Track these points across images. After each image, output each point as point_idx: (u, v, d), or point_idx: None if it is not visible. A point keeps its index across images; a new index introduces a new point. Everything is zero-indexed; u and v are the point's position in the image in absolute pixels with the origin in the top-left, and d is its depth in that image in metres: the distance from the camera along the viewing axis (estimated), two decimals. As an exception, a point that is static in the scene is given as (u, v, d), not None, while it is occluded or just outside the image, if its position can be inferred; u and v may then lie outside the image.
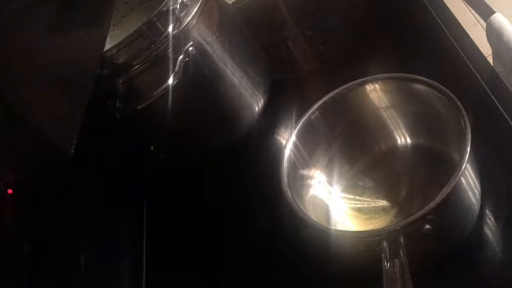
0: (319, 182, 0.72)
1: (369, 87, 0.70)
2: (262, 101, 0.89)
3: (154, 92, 0.74)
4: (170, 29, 0.73)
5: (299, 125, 0.70)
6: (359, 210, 0.71)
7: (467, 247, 0.64)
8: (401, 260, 0.55)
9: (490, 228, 0.65)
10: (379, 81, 0.69)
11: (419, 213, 0.55)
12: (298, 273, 0.72)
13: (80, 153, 0.53)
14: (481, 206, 0.64)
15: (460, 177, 0.56)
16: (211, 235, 0.83)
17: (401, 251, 0.55)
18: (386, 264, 0.55)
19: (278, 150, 0.78)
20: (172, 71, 0.74)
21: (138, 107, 0.75)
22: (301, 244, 0.70)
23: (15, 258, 0.66)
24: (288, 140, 0.69)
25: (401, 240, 0.56)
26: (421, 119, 0.70)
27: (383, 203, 0.70)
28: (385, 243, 0.56)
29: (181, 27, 0.74)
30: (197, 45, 0.76)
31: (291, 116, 0.90)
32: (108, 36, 0.70)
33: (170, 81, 0.74)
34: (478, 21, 1.20)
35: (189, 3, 0.75)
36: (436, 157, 0.68)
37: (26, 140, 0.49)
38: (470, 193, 0.61)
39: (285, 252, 0.74)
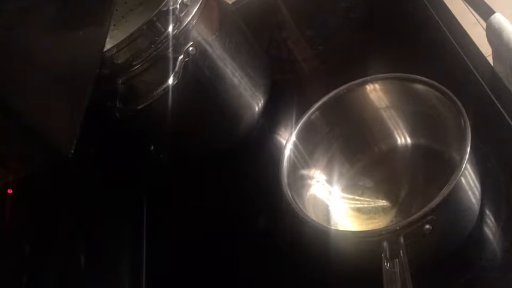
0: (319, 182, 0.72)
1: (369, 87, 0.70)
2: (262, 101, 0.89)
3: (154, 92, 0.74)
4: (170, 29, 0.73)
5: (299, 125, 0.70)
6: (359, 210, 0.71)
7: (467, 247, 0.64)
8: (401, 260, 0.55)
9: (490, 228, 0.65)
10: (379, 81, 0.69)
11: (419, 213, 0.55)
12: (298, 273, 0.72)
13: (80, 153, 0.53)
14: (481, 206, 0.64)
15: (460, 177, 0.56)
16: (211, 235, 0.83)
17: (401, 251, 0.55)
18: (386, 264, 0.55)
19: (278, 150, 0.78)
20: (172, 71, 0.74)
21: (138, 107, 0.75)
22: (301, 244, 0.70)
23: (15, 258, 0.66)
24: (288, 140, 0.69)
25: (402, 240, 0.55)
26: (421, 119, 0.69)
27: (383, 203, 0.70)
28: (385, 243, 0.56)
29: (181, 27, 0.74)
30: (197, 45, 0.76)
31: (291, 116, 0.90)
32: (108, 36, 0.70)
33: (170, 81, 0.74)
34: (478, 21, 1.19)
35: (189, 3, 0.75)
36: (436, 157, 0.68)
37: (26, 140, 0.49)
38: (470, 193, 0.61)
39: (285, 252, 0.74)
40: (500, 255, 0.63)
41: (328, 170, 0.73)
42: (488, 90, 0.75)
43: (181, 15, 0.74)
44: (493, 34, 0.90)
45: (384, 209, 0.69)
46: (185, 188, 0.90)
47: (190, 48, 0.75)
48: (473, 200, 0.62)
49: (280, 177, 0.66)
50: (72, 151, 0.51)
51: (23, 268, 0.66)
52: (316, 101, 0.71)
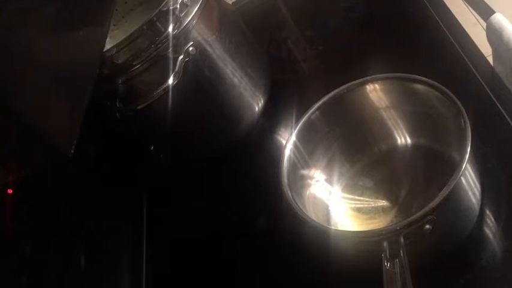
0: (319, 182, 0.72)
1: (369, 87, 0.70)
2: (262, 101, 0.89)
3: (154, 92, 0.74)
4: (170, 29, 0.73)
5: (299, 125, 0.70)
6: (359, 210, 0.71)
7: (467, 247, 0.64)
8: (401, 260, 0.55)
9: (490, 228, 0.65)
10: (379, 81, 0.69)
11: (419, 213, 0.55)
12: (298, 273, 0.72)
13: (80, 153, 0.53)
14: (481, 206, 0.64)
15: (460, 177, 0.56)
16: (211, 235, 0.83)
17: (401, 251, 0.55)
18: (387, 264, 0.55)
19: (278, 150, 0.78)
20: (172, 71, 0.74)
21: (138, 107, 0.75)
22: (301, 244, 0.70)
23: (15, 258, 0.66)
24: (288, 140, 0.69)
25: (402, 240, 0.55)
26: (421, 119, 0.69)
27: (383, 203, 0.70)
28: (385, 243, 0.56)
29: (181, 27, 0.74)
30: (197, 45, 0.76)
31: (291, 116, 0.90)
32: (108, 36, 0.70)
33: (170, 81, 0.74)
34: (478, 21, 1.19)
35: (189, 3, 0.75)
36: (436, 157, 0.68)
37: (26, 140, 0.49)
38: (470, 193, 0.61)
39: (285, 252, 0.74)
40: (500, 255, 0.63)
41: (328, 170, 0.73)
42: (488, 90, 0.75)
43: (181, 15, 0.74)
44: (493, 34, 0.90)
45: (384, 209, 0.69)
46: (185, 188, 0.90)
47: (190, 48, 0.75)
48: (473, 200, 0.62)
49: (280, 177, 0.66)
50: (72, 151, 0.51)
51: (23, 268, 0.66)
52: (316, 101, 0.71)
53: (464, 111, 0.59)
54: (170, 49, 0.73)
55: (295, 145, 0.69)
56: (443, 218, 0.57)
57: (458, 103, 0.60)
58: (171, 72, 0.74)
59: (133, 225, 0.90)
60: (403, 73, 0.68)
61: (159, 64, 0.74)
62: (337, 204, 0.71)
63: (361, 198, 0.71)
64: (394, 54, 0.87)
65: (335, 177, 0.73)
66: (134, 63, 0.73)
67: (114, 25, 0.87)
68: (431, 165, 0.69)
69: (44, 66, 0.52)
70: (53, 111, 0.52)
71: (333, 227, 0.67)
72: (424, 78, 0.65)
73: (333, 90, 0.71)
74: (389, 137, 0.73)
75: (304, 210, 0.63)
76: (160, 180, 0.93)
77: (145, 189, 0.93)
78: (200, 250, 0.83)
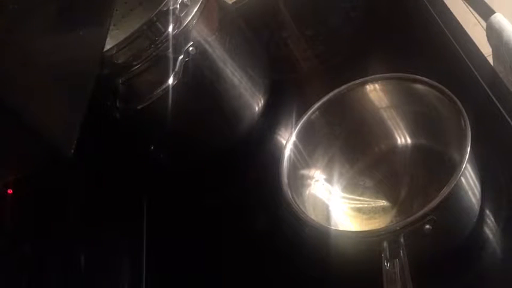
0: (319, 182, 0.72)
1: (369, 87, 0.70)
2: (262, 101, 0.89)
3: (154, 92, 0.74)
4: (170, 29, 0.73)
5: (299, 125, 0.70)
6: (359, 210, 0.71)
7: (467, 247, 0.64)
8: (402, 260, 0.55)
9: (490, 228, 0.65)
10: (379, 81, 0.69)
11: (419, 213, 0.55)
12: (298, 273, 0.72)
13: (80, 153, 0.53)
14: (481, 206, 0.64)
15: (460, 177, 0.56)
16: (211, 235, 0.83)
17: (401, 251, 0.55)
18: (387, 264, 0.55)
19: (278, 150, 0.78)
20: (172, 71, 0.74)
21: (138, 107, 0.75)
22: (301, 244, 0.70)
23: (15, 258, 0.66)
24: (288, 140, 0.69)
25: (402, 240, 0.56)
26: (421, 119, 0.70)
27: (383, 203, 0.70)
28: (385, 243, 0.56)
29: (181, 27, 0.74)
30: (197, 45, 0.76)
31: (291, 116, 0.90)
32: (108, 36, 0.70)
33: (170, 81, 0.74)
34: (478, 21, 1.20)
35: (189, 3, 0.75)
36: (436, 157, 0.68)
37: (26, 140, 0.49)
38: (470, 193, 0.61)
39: (285, 252, 0.74)
40: (500, 255, 0.63)
41: (328, 170, 0.73)
42: (488, 90, 0.75)
43: (181, 15, 0.74)
44: (493, 34, 0.90)
45: (384, 209, 0.69)
46: (185, 188, 0.90)
47: (190, 48, 0.75)
48: (473, 200, 0.62)
49: (280, 177, 0.66)
50: (72, 151, 0.51)
51: (23, 268, 0.66)
52: (316, 101, 0.71)
53: (464, 111, 0.59)
54: (170, 49, 0.73)
55: (295, 145, 0.69)
56: (443, 218, 0.57)
57: (458, 103, 0.60)
58: (171, 72, 0.74)
59: (133, 225, 0.90)
60: (403, 73, 0.68)
61: (159, 64, 0.74)
62: (337, 204, 0.71)
63: (361, 198, 0.72)
64: (394, 54, 0.87)
65: (335, 177, 0.73)
66: (134, 63, 0.73)
67: (114, 25, 0.87)
68: (431, 165, 0.69)
69: (44, 66, 0.52)
70: (53, 111, 0.52)
71: (333, 227, 0.66)
72: (424, 78, 0.65)
73: (333, 90, 0.71)
74: (390, 137, 0.73)
75: (304, 210, 0.63)
76: (160, 180, 0.93)
77: (145, 189, 0.93)
78: (200, 250, 0.83)
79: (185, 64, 0.75)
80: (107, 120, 0.79)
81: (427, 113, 0.67)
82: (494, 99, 0.73)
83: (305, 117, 0.70)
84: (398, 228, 0.56)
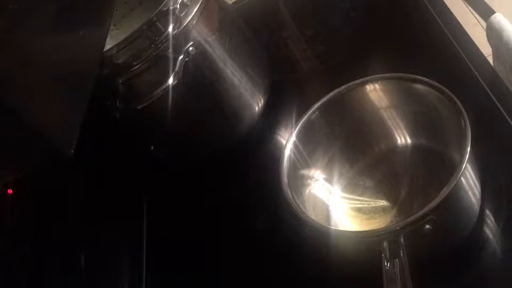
0: (319, 182, 0.72)
1: (369, 87, 0.70)
2: (262, 101, 0.89)
3: (154, 92, 0.74)
4: (170, 29, 0.73)
5: (299, 125, 0.70)
6: (359, 210, 0.71)
7: (467, 247, 0.64)
8: (401, 260, 0.55)
9: (490, 228, 0.65)
10: (379, 81, 0.69)
11: (419, 213, 0.55)
12: (298, 273, 0.72)
13: (80, 153, 0.53)
14: (481, 206, 0.64)
15: (460, 177, 0.56)
16: (211, 235, 0.83)
17: (401, 251, 0.55)
18: (387, 264, 0.55)
19: (278, 150, 0.78)
20: (172, 71, 0.74)
21: (138, 107, 0.75)
22: (301, 244, 0.70)
23: (15, 258, 0.66)
24: (288, 140, 0.69)
25: (402, 240, 0.56)
26: (421, 119, 0.70)
27: (383, 203, 0.70)
28: (385, 243, 0.56)
29: (181, 27, 0.74)
30: (197, 45, 0.76)
31: (291, 116, 0.90)
32: (108, 36, 0.70)
33: (170, 81, 0.74)
34: (478, 21, 1.20)
35: (189, 3, 0.75)
36: (436, 157, 0.68)
37: (26, 140, 0.49)
38: (470, 193, 0.61)
39: (285, 252, 0.74)
40: (500, 255, 0.63)
41: (328, 170, 0.73)
42: (488, 90, 0.75)
43: (181, 15, 0.74)
44: (493, 34, 0.90)
45: (384, 209, 0.69)
46: (185, 188, 0.90)
47: (190, 48, 0.75)
48: (473, 200, 0.62)
49: (280, 177, 0.66)
50: (72, 151, 0.51)
51: (23, 268, 0.66)
52: (316, 101, 0.71)
53: (464, 111, 0.59)
54: (170, 49, 0.73)
55: (295, 145, 0.69)
56: (443, 218, 0.57)
57: (458, 103, 0.60)
58: (171, 72, 0.74)
59: (133, 225, 0.90)
60: (403, 73, 0.68)
61: (159, 64, 0.74)
62: (337, 204, 0.71)
63: (361, 198, 0.72)
64: (394, 54, 0.87)
65: (335, 177, 0.73)
66: (134, 63, 0.73)
67: (114, 25, 0.87)
68: (431, 165, 0.69)
69: (44, 66, 0.52)
70: (53, 111, 0.52)
71: (333, 227, 0.66)
72: (424, 78, 0.65)
73: (333, 90, 0.71)
74: (390, 137, 0.73)
75: (304, 210, 0.63)
76: (160, 180, 0.93)
77: (145, 189, 0.93)
78: (200, 250, 0.83)
79: (185, 64, 0.75)
80: (107, 120, 0.79)
81: (427, 113, 0.67)
82: (494, 99, 0.73)
83: (305, 117, 0.70)
84: (398, 228, 0.56)
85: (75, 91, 0.56)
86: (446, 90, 0.62)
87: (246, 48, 0.88)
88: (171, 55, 0.74)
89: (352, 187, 0.73)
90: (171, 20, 0.73)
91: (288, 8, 1.08)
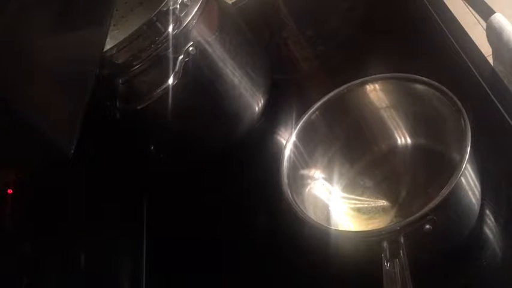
0: (319, 182, 0.72)
1: (369, 87, 0.70)
2: (262, 101, 0.89)
3: (154, 92, 0.74)
4: (170, 29, 0.73)
5: (299, 125, 0.70)
6: (359, 210, 0.71)
7: (467, 247, 0.64)
8: (401, 260, 0.55)
9: (490, 228, 0.65)
10: (379, 81, 0.69)
11: (419, 213, 0.55)
12: (298, 273, 0.72)
13: (80, 153, 0.53)
14: (481, 206, 0.64)
15: (460, 177, 0.56)
16: (211, 235, 0.83)
17: (401, 251, 0.55)
18: (386, 264, 0.55)
19: (278, 150, 0.78)
20: (173, 71, 0.74)
21: (138, 107, 0.75)
22: (301, 244, 0.70)
23: (15, 258, 0.66)
24: (288, 140, 0.69)
25: (402, 240, 0.56)
26: (421, 119, 0.69)
27: (383, 203, 0.70)
28: (385, 243, 0.56)
29: (181, 27, 0.74)
30: (197, 45, 0.76)
31: (291, 116, 0.90)
32: (108, 36, 0.70)
33: (170, 81, 0.74)
34: (478, 21, 1.19)
35: (189, 3, 0.75)
36: (436, 157, 0.68)
37: (26, 140, 0.49)
38: (470, 193, 0.61)
39: (285, 252, 0.74)
40: (500, 255, 0.63)
41: (328, 170, 0.73)
42: (488, 90, 0.75)
43: (181, 15, 0.74)
44: (493, 34, 0.90)
45: (384, 209, 0.69)
46: (185, 188, 0.90)
47: (190, 48, 0.75)
48: (473, 200, 0.62)
49: (280, 177, 0.66)
50: (72, 151, 0.51)
51: (23, 268, 0.66)
52: (316, 101, 0.71)
53: (464, 111, 0.59)
54: (170, 49, 0.73)
55: (295, 145, 0.69)
56: (443, 218, 0.57)
57: (458, 103, 0.60)
58: (171, 72, 0.74)
59: (133, 225, 0.90)
60: (403, 73, 0.68)
61: (159, 64, 0.74)
62: (337, 204, 0.71)
63: (361, 198, 0.71)
64: (394, 54, 0.87)
65: (335, 177, 0.73)
66: (134, 63, 0.73)
67: (114, 25, 0.87)
68: (431, 165, 0.69)
69: (44, 66, 0.52)
70: (53, 111, 0.52)
71: (333, 227, 0.66)
72: (424, 78, 0.65)
73: (333, 90, 0.71)
74: (390, 137, 0.73)
75: (304, 210, 0.63)
76: (160, 180, 0.93)
77: (145, 189, 0.93)
78: (200, 250, 0.83)
79: (185, 64, 0.75)
80: (107, 120, 0.79)
81: (427, 113, 0.67)
82: (494, 99, 0.73)
83: (305, 117, 0.70)
84: (398, 228, 0.56)
85: (75, 91, 0.56)
86: (446, 90, 0.62)
87: (246, 48, 0.88)
88: (171, 55, 0.74)
89: (352, 187, 0.73)
90: (171, 20, 0.73)
91: (288, 8, 1.08)
